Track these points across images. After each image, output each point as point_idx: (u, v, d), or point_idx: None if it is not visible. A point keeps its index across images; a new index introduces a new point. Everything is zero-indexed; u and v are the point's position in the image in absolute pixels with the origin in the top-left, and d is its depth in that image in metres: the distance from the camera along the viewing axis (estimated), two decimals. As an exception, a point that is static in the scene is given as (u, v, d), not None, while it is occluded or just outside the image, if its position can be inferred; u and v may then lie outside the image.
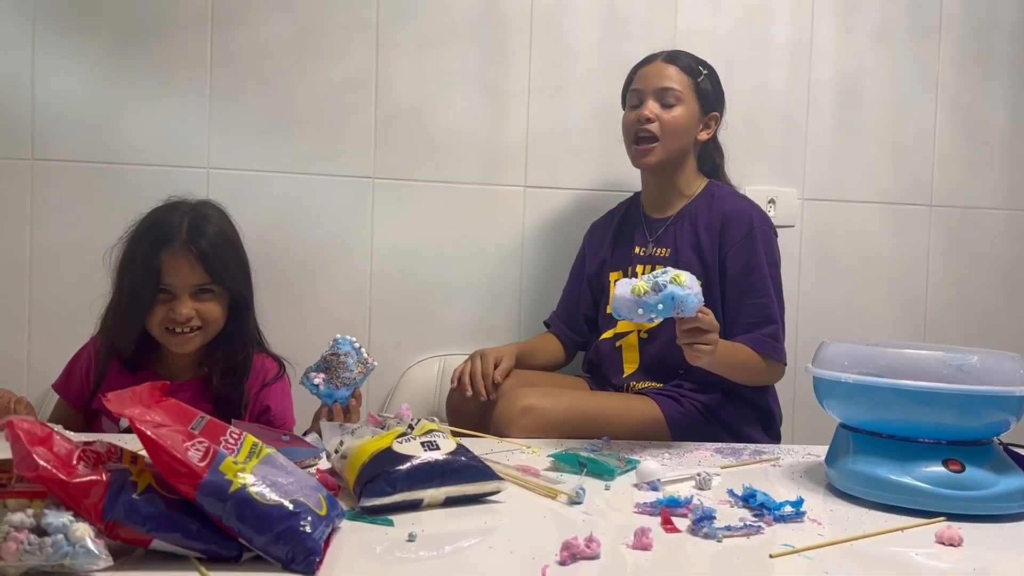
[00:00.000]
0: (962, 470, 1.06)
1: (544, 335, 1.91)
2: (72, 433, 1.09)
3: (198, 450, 0.82)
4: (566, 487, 1.10)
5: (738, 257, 1.65)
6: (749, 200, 1.76)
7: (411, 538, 0.91)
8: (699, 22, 2.09)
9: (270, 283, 1.71)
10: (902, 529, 1.01)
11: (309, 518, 0.82)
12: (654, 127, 1.70)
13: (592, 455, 1.24)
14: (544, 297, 2.03)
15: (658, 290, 1.29)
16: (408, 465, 1.01)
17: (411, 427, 1.11)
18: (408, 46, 2.00)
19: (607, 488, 1.15)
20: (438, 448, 1.06)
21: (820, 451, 1.34)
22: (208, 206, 1.52)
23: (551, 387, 1.65)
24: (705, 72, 1.75)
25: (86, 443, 0.84)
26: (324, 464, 1.18)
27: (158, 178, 1.87)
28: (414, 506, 1.01)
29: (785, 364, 1.65)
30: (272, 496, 0.82)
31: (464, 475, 1.04)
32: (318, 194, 1.98)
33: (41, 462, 0.77)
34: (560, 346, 1.89)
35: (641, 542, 0.91)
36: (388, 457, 1.02)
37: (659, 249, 1.74)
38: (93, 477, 0.78)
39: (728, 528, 0.96)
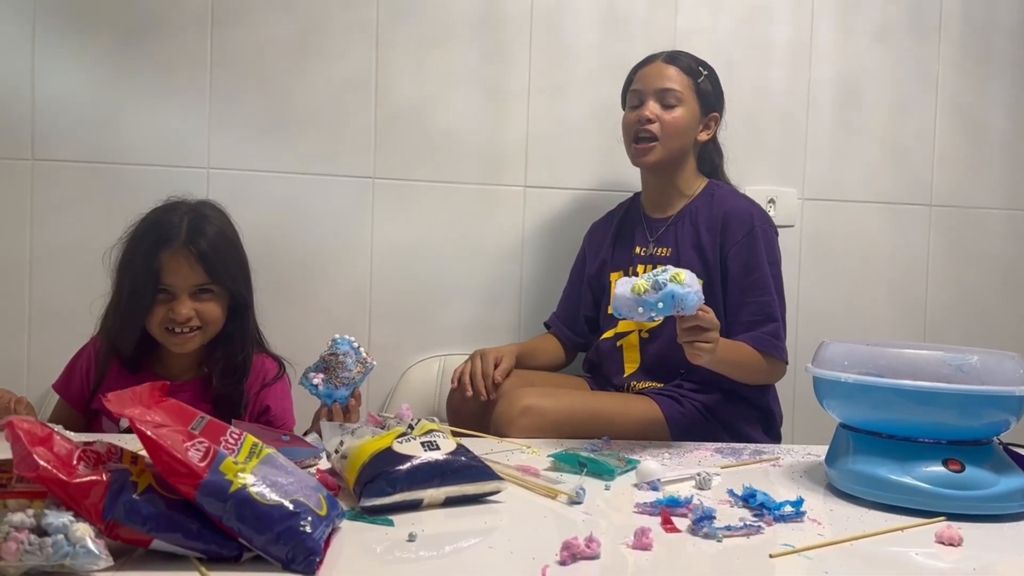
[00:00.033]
0: (962, 470, 1.06)
1: (544, 336, 1.91)
2: (72, 433, 1.09)
3: (198, 450, 0.82)
4: (566, 487, 1.10)
5: (739, 256, 1.65)
6: (750, 199, 1.76)
7: (411, 538, 0.91)
8: (699, 22, 2.09)
9: (270, 283, 1.71)
10: (902, 529, 1.01)
11: (309, 518, 0.82)
12: (655, 127, 1.70)
13: (592, 455, 1.24)
14: (544, 297, 2.03)
15: (658, 288, 1.29)
16: (408, 465, 1.01)
17: (411, 427, 1.11)
18: (408, 46, 2.00)
19: (607, 488, 1.15)
20: (438, 448, 1.06)
21: (820, 451, 1.34)
22: (208, 206, 1.52)
23: (551, 387, 1.65)
24: (705, 73, 1.75)
25: (86, 443, 0.84)
26: (324, 464, 1.18)
27: (158, 178, 1.87)
28: (414, 506, 1.01)
29: (786, 362, 1.65)
30: (272, 496, 0.82)
31: (464, 475, 1.04)
32: (318, 194, 1.98)
33: (41, 462, 0.77)
34: (560, 347, 1.89)
35: (641, 542, 0.91)
36: (388, 457, 1.02)
37: (660, 249, 1.74)
38: (93, 477, 0.78)
39: (728, 528, 0.96)
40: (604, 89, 1.99)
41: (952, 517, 1.03)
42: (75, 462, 0.80)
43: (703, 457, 1.38)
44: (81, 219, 1.88)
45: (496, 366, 1.66)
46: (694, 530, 0.96)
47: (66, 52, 1.90)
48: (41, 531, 0.75)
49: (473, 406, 1.63)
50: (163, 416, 0.86)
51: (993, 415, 1.09)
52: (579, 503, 1.07)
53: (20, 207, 1.89)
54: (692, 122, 1.73)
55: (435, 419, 1.18)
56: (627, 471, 1.22)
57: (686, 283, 1.30)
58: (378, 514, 0.98)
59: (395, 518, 0.97)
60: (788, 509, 1.03)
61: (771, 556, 0.90)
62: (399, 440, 1.06)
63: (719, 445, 1.49)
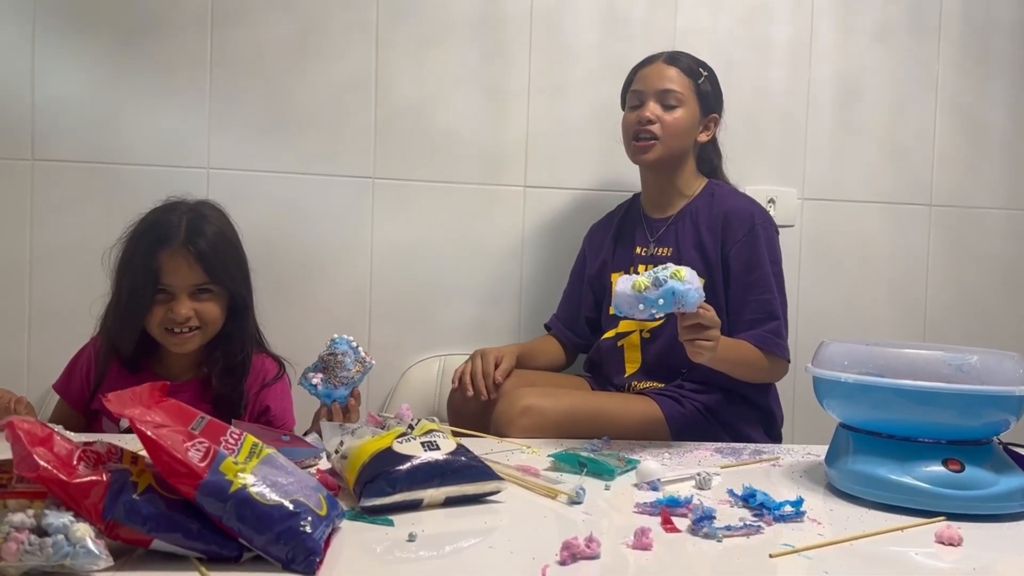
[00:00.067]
0: (962, 470, 1.06)
1: (545, 337, 1.91)
2: (72, 433, 1.09)
3: (198, 450, 0.82)
4: (566, 487, 1.10)
5: (740, 254, 1.65)
6: (750, 198, 1.76)
7: (411, 538, 0.91)
8: (699, 22, 2.09)
9: (270, 283, 1.71)
10: (902, 529, 1.01)
11: (309, 518, 0.82)
12: (655, 128, 1.70)
13: (592, 455, 1.24)
14: (544, 297, 2.03)
15: (658, 285, 1.28)
16: (408, 465, 1.01)
17: (411, 427, 1.11)
18: (408, 46, 2.00)
19: (607, 488, 1.15)
20: (438, 448, 1.06)
21: (820, 451, 1.34)
22: (207, 206, 1.52)
23: (551, 387, 1.65)
24: (705, 74, 1.75)
25: (86, 443, 0.84)
26: (324, 464, 1.18)
27: (158, 178, 1.87)
28: (414, 506, 1.01)
29: (788, 361, 1.65)
30: (272, 496, 0.82)
31: (464, 475, 1.04)
32: (318, 194, 1.98)
33: (41, 462, 0.77)
34: (561, 348, 1.89)
35: (641, 542, 0.91)
36: (388, 457, 1.02)
37: (661, 248, 1.74)
38: (93, 477, 0.78)
39: (728, 528, 0.96)
40: (604, 89, 1.99)
41: (952, 517, 1.03)
42: (75, 462, 0.79)
43: (703, 457, 1.37)
44: (81, 219, 1.88)
45: (497, 366, 1.66)
46: (694, 530, 0.96)
47: (66, 52, 1.90)
48: (41, 531, 0.75)
49: (473, 406, 1.63)
50: (163, 416, 0.86)
51: (993, 415, 1.09)
52: (579, 503, 1.07)
53: (20, 207, 1.89)
54: (692, 123, 1.73)
55: (435, 419, 1.18)
56: (627, 471, 1.22)
57: (687, 280, 1.29)
58: (378, 514, 0.98)
59: (395, 518, 0.97)
60: (788, 509, 1.03)
61: (771, 556, 0.90)
62: (399, 440, 1.06)
63: (719, 445, 1.49)
